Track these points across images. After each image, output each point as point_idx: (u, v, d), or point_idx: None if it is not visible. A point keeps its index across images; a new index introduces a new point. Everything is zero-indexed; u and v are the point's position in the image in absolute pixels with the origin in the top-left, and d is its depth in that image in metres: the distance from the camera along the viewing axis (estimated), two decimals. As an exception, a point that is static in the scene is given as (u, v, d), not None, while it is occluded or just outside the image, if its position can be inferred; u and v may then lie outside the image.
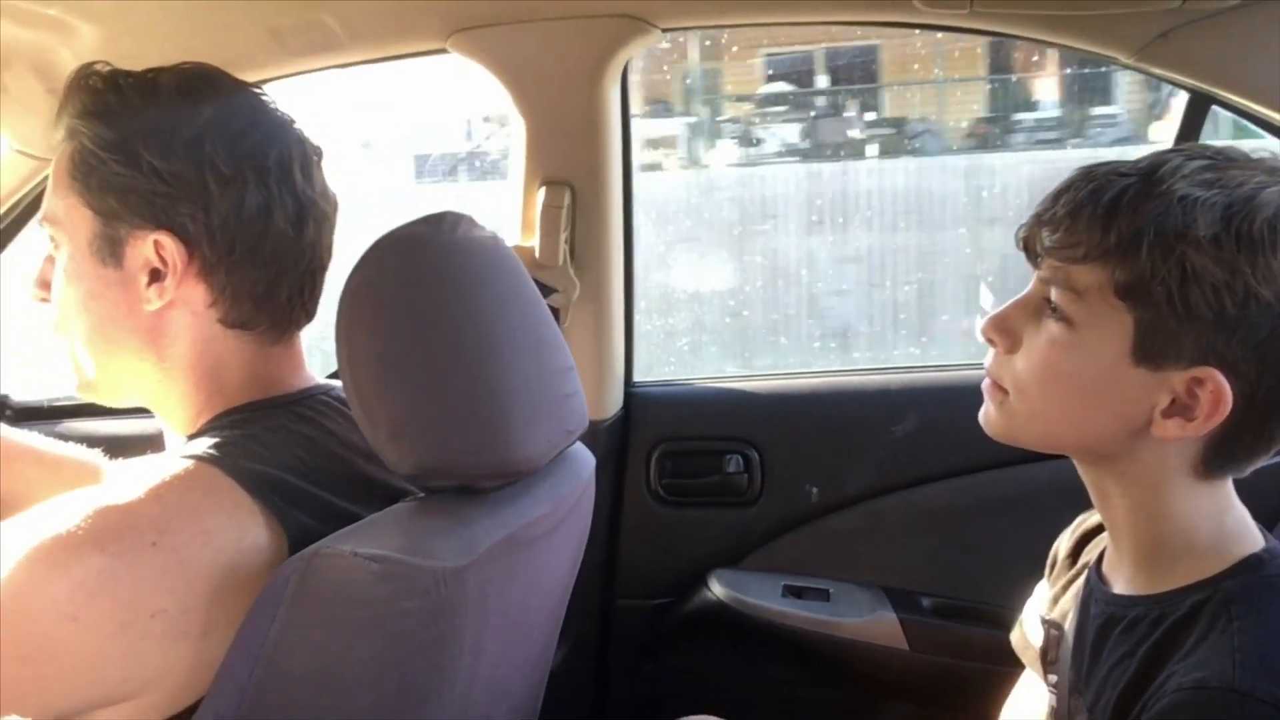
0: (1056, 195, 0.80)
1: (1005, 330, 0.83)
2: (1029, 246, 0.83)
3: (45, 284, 0.94)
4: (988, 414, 0.85)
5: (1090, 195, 0.77)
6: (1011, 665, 1.09)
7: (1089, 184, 0.78)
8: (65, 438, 1.22)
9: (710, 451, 1.61)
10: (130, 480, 0.80)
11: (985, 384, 0.86)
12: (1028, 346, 0.82)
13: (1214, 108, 1.44)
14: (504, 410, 0.84)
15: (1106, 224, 0.76)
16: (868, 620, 1.49)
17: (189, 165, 0.86)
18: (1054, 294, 0.80)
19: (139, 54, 1.01)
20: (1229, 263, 0.72)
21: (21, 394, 1.83)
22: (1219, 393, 0.74)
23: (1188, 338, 0.74)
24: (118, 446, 1.25)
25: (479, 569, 0.80)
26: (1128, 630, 0.81)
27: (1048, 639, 0.97)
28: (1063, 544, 1.01)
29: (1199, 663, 0.73)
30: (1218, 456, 0.79)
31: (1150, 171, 0.77)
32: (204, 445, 0.84)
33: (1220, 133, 1.65)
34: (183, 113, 0.87)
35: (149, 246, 0.87)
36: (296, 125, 0.93)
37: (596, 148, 1.46)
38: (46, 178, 1.51)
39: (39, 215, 0.93)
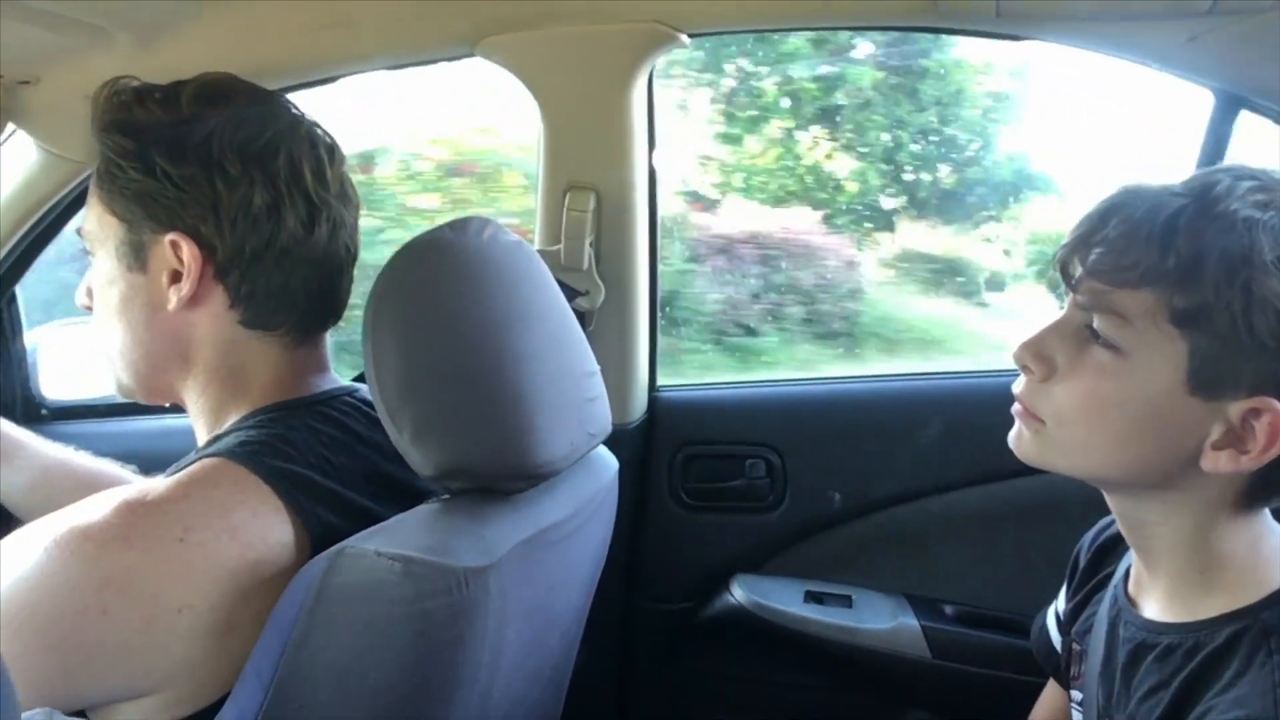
0: (1104, 215, 0.76)
1: (1041, 357, 0.79)
2: (1065, 269, 0.79)
3: (90, 291, 0.97)
4: (1021, 439, 0.82)
5: (1146, 215, 0.73)
6: (1035, 675, 1.09)
7: (1141, 204, 0.74)
8: (98, 437, 1.24)
9: (733, 456, 1.61)
10: (157, 479, 0.82)
11: (1017, 410, 0.82)
12: (1069, 374, 0.78)
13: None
14: (526, 413, 0.85)
15: (1164, 245, 0.72)
16: (890, 627, 1.48)
17: (198, 169, 0.88)
18: (1097, 320, 0.76)
19: (173, 60, 1.03)
20: None
21: (56, 394, 1.86)
22: (1277, 424, 0.71)
23: (1247, 366, 0.71)
24: (150, 444, 1.27)
25: (501, 570, 0.80)
26: (1161, 659, 0.79)
27: (1071, 654, 0.96)
28: (1083, 553, 0.99)
29: (1240, 699, 0.70)
30: (1265, 488, 0.76)
31: (1204, 192, 0.73)
32: (230, 444, 0.86)
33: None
34: (196, 119, 0.89)
35: (167, 248, 0.90)
36: (313, 127, 0.95)
37: (622, 153, 1.47)
38: (82, 182, 1.56)
39: (78, 226, 0.97)
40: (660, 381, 1.65)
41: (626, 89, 1.43)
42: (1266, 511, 0.79)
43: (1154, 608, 0.83)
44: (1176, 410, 0.74)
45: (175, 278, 0.90)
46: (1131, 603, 0.85)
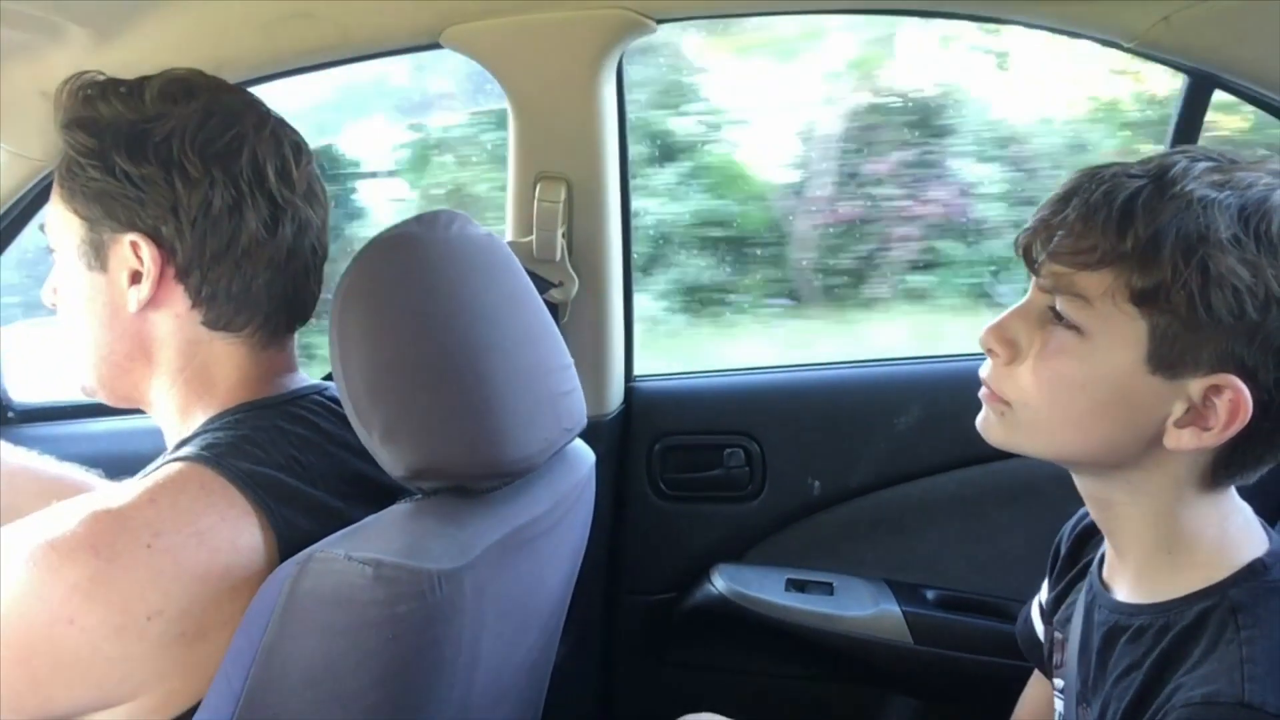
0: (1064, 198, 0.77)
1: (1006, 340, 0.80)
2: (1029, 253, 0.80)
3: (55, 288, 0.96)
4: (988, 423, 0.83)
5: (1103, 198, 0.74)
6: (1016, 659, 1.09)
7: (1099, 186, 0.75)
8: (67, 439, 1.21)
9: (711, 445, 1.60)
10: (124, 484, 0.81)
11: (984, 393, 0.83)
12: (1033, 357, 0.79)
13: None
14: (498, 410, 0.84)
15: (1122, 227, 0.73)
16: (871, 614, 1.48)
17: (157, 169, 0.86)
18: (1059, 302, 0.77)
19: (131, 56, 1.01)
20: (1252, 264, 0.70)
21: (23, 396, 1.83)
22: (1237, 400, 0.72)
23: (1207, 344, 0.72)
24: (120, 445, 1.24)
25: (476, 570, 0.79)
26: (1133, 640, 0.79)
27: (1052, 643, 0.96)
28: (1063, 542, 1.00)
29: (1207, 676, 0.71)
30: (1228, 467, 0.77)
31: (1160, 173, 0.74)
32: (197, 447, 0.85)
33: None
34: (158, 117, 0.87)
35: (126, 249, 0.88)
36: (280, 125, 0.93)
37: (593, 142, 1.45)
38: (42, 180, 1.53)
39: (40, 222, 0.95)
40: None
41: (596, 77, 1.42)
42: (1233, 489, 0.80)
43: (1125, 589, 0.84)
44: (1138, 389, 0.75)
45: (135, 278, 0.89)
46: (1105, 586, 0.86)
